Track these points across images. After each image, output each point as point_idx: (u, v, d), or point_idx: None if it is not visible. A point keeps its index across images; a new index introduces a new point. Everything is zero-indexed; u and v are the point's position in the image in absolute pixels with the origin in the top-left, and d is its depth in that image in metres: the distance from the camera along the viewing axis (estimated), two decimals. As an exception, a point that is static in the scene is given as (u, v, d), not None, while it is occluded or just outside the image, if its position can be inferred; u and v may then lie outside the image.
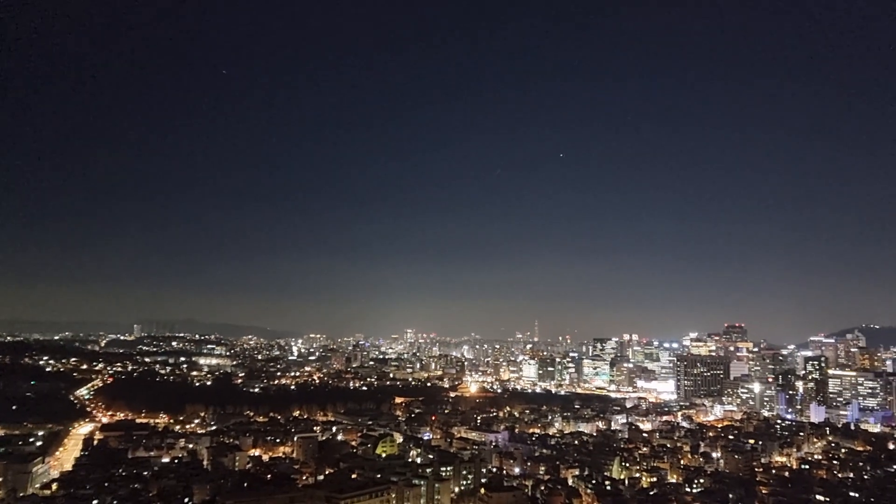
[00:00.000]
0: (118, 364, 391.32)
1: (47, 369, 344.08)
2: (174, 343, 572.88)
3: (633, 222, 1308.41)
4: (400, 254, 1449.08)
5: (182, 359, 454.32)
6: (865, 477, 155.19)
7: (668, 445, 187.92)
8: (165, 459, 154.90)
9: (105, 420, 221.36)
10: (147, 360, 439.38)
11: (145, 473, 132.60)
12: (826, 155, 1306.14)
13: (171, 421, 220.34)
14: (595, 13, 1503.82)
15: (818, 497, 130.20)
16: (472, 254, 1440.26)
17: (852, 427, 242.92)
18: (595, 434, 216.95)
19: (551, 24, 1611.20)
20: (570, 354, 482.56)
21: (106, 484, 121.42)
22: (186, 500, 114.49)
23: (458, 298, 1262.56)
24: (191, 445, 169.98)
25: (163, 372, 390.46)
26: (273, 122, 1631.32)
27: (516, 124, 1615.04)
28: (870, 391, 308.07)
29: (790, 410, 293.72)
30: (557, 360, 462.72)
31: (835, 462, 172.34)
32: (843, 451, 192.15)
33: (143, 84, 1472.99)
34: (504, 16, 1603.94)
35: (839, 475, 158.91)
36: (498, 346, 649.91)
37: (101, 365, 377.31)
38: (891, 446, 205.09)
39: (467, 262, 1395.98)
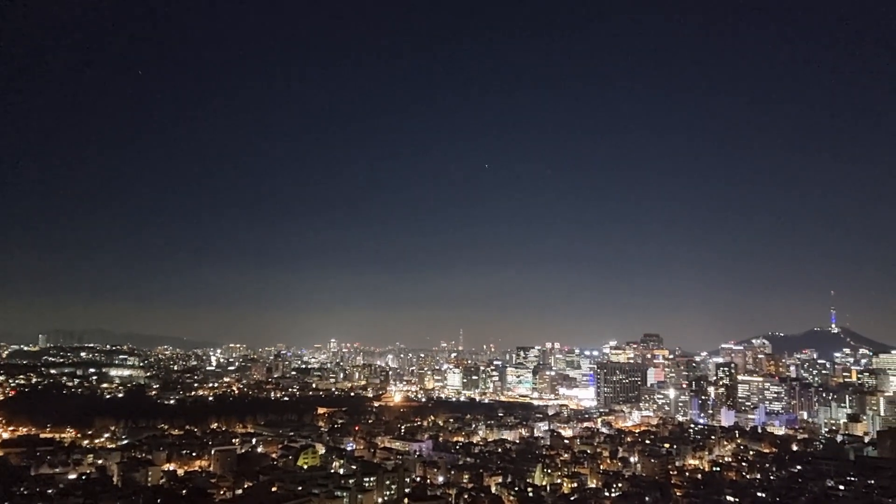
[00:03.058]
0: (21, 376, 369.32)
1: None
2: (83, 354, 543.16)
3: (554, 232, 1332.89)
4: (323, 262, 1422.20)
5: (91, 370, 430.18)
6: (772, 477, 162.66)
7: (589, 451, 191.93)
8: (72, 476, 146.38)
9: (6, 436, 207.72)
10: (53, 371, 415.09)
11: (49, 491, 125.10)
12: (733, 175, 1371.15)
13: (79, 436, 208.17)
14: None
15: (728, 498, 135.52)
16: (397, 262, 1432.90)
17: (759, 430, 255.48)
18: (518, 441, 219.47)
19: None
20: (494, 363, 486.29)
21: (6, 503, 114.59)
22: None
23: (382, 307, 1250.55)
24: (100, 461, 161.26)
25: (70, 384, 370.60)
26: (188, 130, 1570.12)
27: (435, 136, 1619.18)
28: (775, 395, 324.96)
29: (703, 415, 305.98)
30: (481, 368, 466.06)
31: (744, 464, 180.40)
32: (751, 453, 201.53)
33: (55, 90, 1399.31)
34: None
35: (748, 476, 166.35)
36: (423, 355, 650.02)
37: (2, 377, 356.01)
38: (794, 448, 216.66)
39: (392, 271, 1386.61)
